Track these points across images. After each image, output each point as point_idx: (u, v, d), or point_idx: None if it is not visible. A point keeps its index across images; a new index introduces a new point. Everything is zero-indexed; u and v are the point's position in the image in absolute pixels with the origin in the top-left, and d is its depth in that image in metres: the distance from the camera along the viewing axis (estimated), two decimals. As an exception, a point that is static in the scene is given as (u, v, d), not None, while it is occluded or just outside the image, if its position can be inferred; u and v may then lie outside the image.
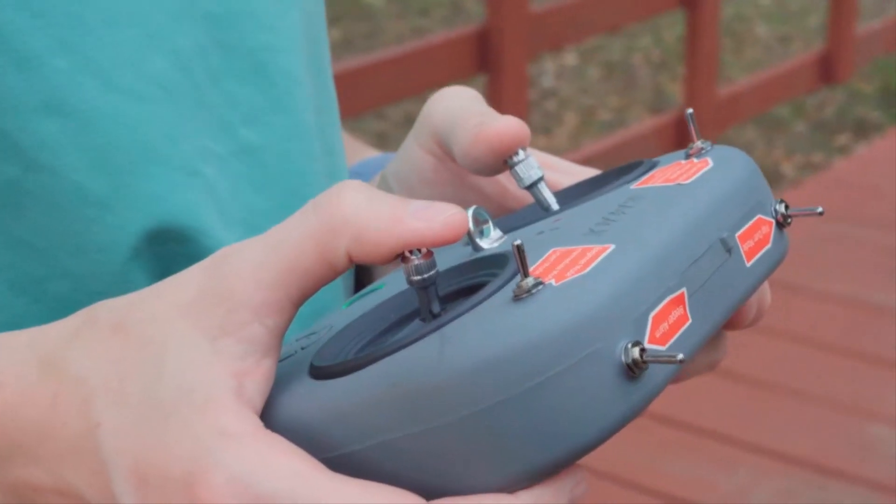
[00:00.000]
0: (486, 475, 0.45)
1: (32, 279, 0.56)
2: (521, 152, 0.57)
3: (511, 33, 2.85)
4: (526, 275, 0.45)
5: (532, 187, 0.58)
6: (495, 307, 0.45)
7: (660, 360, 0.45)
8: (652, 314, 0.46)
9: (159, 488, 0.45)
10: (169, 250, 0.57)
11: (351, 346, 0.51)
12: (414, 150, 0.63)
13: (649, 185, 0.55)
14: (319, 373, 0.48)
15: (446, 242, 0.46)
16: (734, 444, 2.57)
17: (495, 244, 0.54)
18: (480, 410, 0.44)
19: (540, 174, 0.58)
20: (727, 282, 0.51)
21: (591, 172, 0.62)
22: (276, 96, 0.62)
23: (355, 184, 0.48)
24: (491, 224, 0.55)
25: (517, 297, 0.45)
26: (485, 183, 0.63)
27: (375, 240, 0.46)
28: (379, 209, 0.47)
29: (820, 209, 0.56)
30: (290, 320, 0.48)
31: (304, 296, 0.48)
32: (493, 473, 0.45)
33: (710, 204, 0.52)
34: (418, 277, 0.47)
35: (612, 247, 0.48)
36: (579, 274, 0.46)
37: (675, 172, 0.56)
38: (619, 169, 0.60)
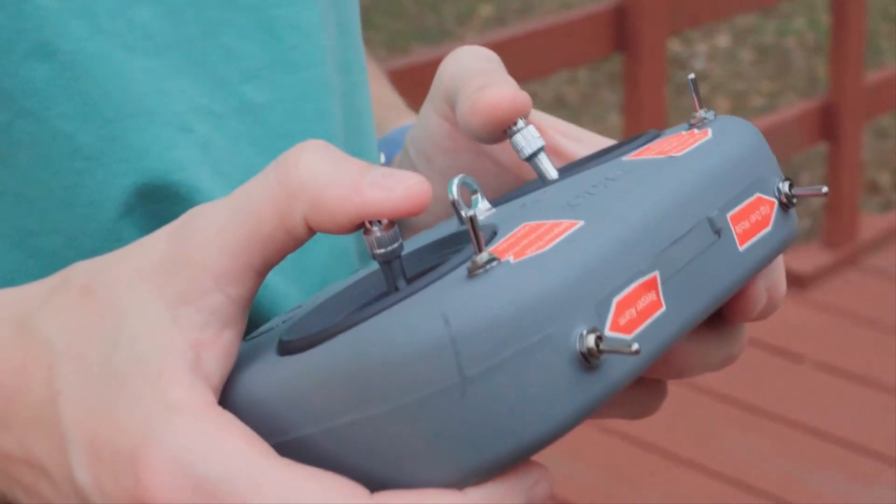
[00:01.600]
0: (431, 468, 0.43)
1: (24, 232, 0.55)
2: (520, 122, 0.55)
3: (650, 10, 2.78)
4: (480, 250, 0.42)
5: (531, 158, 0.55)
6: (448, 285, 0.43)
7: (616, 350, 0.42)
8: (616, 298, 0.43)
9: (110, 464, 0.44)
10: (163, 208, 0.56)
11: (327, 321, 0.49)
12: (429, 116, 0.61)
13: (641, 157, 0.52)
14: (284, 349, 0.47)
15: (407, 214, 0.44)
16: (875, 457, 2.47)
17: (481, 217, 0.52)
18: (423, 397, 0.42)
19: (540, 144, 0.55)
20: (714, 266, 0.48)
21: (607, 142, 0.59)
22: (283, 52, 0.60)
23: (318, 145, 0.46)
24: (479, 195, 0.53)
25: (470, 274, 0.42)
26: (500, 151, 0.60)
27: (332, 208, 0.45)
28: (338, 175, 0.45)
29: (825, 189, 0.52)
30: (253, 290, 0.47)
31: (266, 264, 0.46)
32: (438, 467, 0.42)
33: (698, 179, 0.49)
34: (381, 251, 0.46)
35: (580, 223, 0.45)
36: (539, 251, 0.43)
37: (670, 144, 0.53)
38: (629, 139, 0.57)
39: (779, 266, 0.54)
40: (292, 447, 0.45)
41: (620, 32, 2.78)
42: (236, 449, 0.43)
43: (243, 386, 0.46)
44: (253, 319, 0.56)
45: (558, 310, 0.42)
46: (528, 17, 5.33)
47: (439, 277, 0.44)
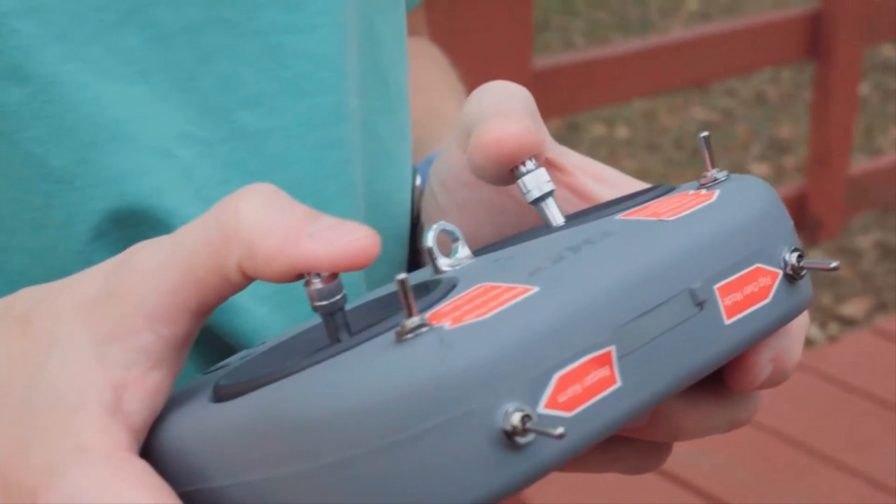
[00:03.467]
0: None
1: None
2: (529, 163, 0.52)
3: (844, 18, 2.70)
4: (410, 314, 0.40)
5: (538, 202, 0.52)
6: (374, 348, 0.40)
7: (541, 431, 0.39)
8: (558, 374, 0.40)
9: (16, 499, 0.43)
10: (139, 234, 0.54)
11: (263, 369, 0.46)
12: (452, 148, 0.58)
13: (634, 217, 0.49)
14: (216, 394, 0.45)
15: (346, 269, 0.42)
16: None
17: (458, 266, 0.49)
18: (329, 464, 0.39)
19: (548, 189, 0.52)
20: (691, 340, 0.45)
21: (638, 186, 0.55)
22: (289, 79, 0.57)
23: (263, 189, 0.44)
24: (461, 243, 0.50)
25: (398, 339, 0.40)
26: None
27: (267, 256, 0.42)
28: (276, 223, 0.43)
29: (834, 263, 0.48)
30: (189, 331, 0.45)
31: (203, 306, 0.44)
32: None
33: (684, 247, 0.46)
34: (321, 303, 0.43)
35: (534, 290, 0.42)
36: (478, 319, 0.40)
37: (669, 205, 0.49)
38: (647, 190, 0.53)
39: (789, 335, 0.51)
40: (206, 498, 0.43)
41: (814, 39, 2.72)
42: (133, 498, 0.41)
43: (170, 428, 0.45)
44: (237, 350, 0.55)
45: (483, 384, 0.39)
46: (734, 15, 5.20)
47: (370, 338, 0.42)
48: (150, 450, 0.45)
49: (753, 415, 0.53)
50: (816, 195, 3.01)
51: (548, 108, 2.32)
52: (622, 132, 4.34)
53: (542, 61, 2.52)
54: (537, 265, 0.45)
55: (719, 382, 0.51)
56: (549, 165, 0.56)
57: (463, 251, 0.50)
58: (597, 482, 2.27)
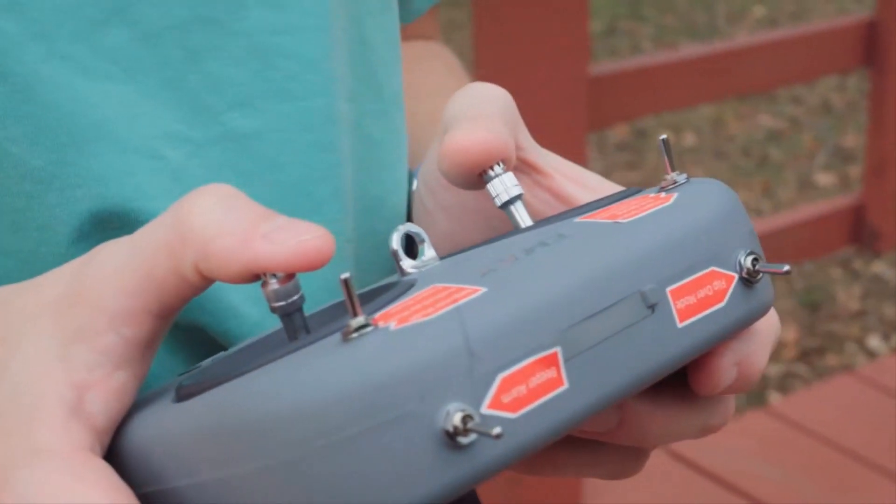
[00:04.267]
0: None
1: None
2: (497, 167, 0.52)
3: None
4: (355, 314, 0.40)
5: (506, 206, 0.52)
6: (321, 348, 0.40)
7: (481, 431, 0.39)
8: (502, 374, 0.40)
9: None
10: (124, 235, 0.53)
11: (224, 369, 0.46)
12: (435, 152, 0.58)
13: (591, 219, 0.48)
14: (178, 394, 0.45)
15: (299, 269, 0.42)
16: None
17: (422, 268, 0.49)
18: (269, 465, 0.39)
19: (515, 193, 0.52)
20: (642, 343, 0.44)
21: (615, 189, 0.55)
22: (278, 81, 0.57)
23: (218, 189, 0.44)
24: (426, 245, 0.50)
25: (344, 339, 0.40)
26: None
27: (221, 258, 0.42)
28: (230, 224, 0.42)
29: (786, 267, 0.47)
30: (153, 332, 0.45)
31: (164, 308, 0.44)
32: None
33: (636, 250, 0.45)
34: (278, 304, 0.43)
35: (481, 291, 0.42)
36: (423, 319, 0.40)
37: (627, 207, 0.49)
38: (619, 193, 0.53)
39: (754, 340, 0.50)
40: (164, 499, 0.43)
41: (869, 47, 2.69)
42: (88, 499, 0.41)
43: (133, 429, 0.45)
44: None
45: (423, 384, 0.39)
46: (800, 22, 5.17)
47: (321, 338, 0.41)
48: (115, 450, 0.45)
49: (725, 420, 0.52)
50: (873, 206, 2.98)
51: (607, 113, 2.34)
52: (689, 139, 4.33)
53: (600, 67, 2.51)
54: (489, 266, 0.45)
55: (687, 387, 0.51)
56: (528, 168, 0.56)
57: (429, 253, 0.50)
58: (655, 485, 2.27)
